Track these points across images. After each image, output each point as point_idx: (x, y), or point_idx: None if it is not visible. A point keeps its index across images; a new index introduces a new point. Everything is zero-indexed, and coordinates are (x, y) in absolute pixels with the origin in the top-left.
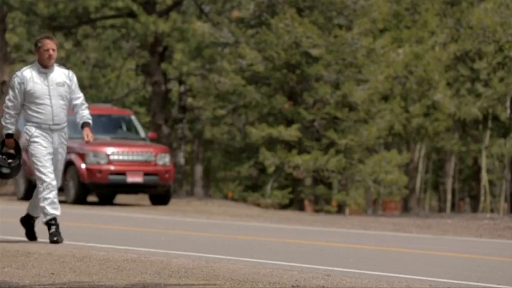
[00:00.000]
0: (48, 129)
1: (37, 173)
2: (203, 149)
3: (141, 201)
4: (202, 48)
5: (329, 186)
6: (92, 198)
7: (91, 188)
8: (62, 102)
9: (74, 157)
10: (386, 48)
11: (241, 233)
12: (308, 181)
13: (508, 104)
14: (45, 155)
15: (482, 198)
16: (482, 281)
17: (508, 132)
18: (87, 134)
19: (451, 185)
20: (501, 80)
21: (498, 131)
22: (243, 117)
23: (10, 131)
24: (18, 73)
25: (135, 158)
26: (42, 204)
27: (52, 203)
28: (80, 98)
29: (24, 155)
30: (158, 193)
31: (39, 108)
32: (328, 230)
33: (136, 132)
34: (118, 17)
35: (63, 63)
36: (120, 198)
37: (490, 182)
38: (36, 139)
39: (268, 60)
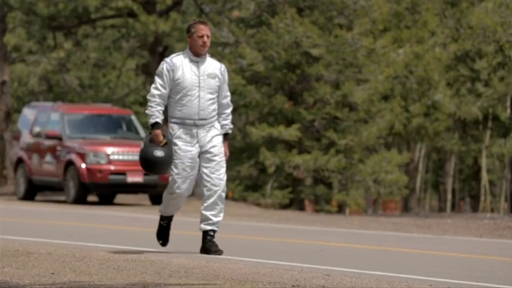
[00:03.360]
0: (192, 124)
1: (170, 178)
2: None
3: (141, 201)
4: None
5: (329, 186)
6: (92, 198)
7: (91, 188)
8: (210, 96)
9: (74, 157)
10: (387, 48)
11: (241, 233)
12: (308, 181)
13: (508, 103)
14: (184, 161)
15: (482, 198)
16: (482, 281)
17: (508, 132)
18: (225, 151)
19: (451, 185)
20: (501, 79)
21: (498, 131)
22: (243, 117)
23: (158, 119)
24: (168, 59)
25: (135, 157)
26: (165, 201)
27: (177, 208)
28: (227, 97)
29: (23, 154)
30: (158, 193)
31: (184, 101)
32: (328, 229)
33: (137, 132)
34: (118, 16)
35: (63, 63)
36: (120, 198)
37: (490, 182)
38: (177, 141)
39: (268, 60)
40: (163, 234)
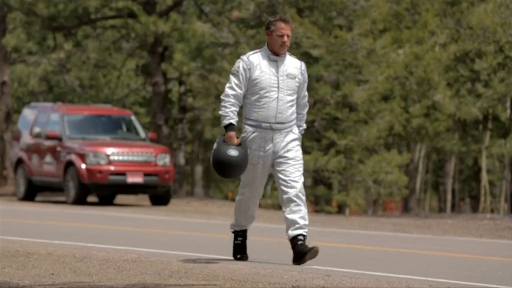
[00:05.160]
0: (269, 128)
1: (241, 182)
2: (203, 149)
3: (141, 202)
4: (203, 48)
5: (329, 186)
6: (92, 198)
7: (91, 189)
8: (290, 97)
9: (74, 157)
10: (387, 49)
11: None
12: (308, 181)
13: (508, 104)
14: (254, 164)
15: (482, 199)
16: (482, 282)
17: (508, 132)
18: None
19: (451, 186)
20: (501, 80)
21: (498, 132)
22: (243, 117)
23: (232, 121)
24: (244, 57)
25: (135, 158)
26: (235, 212)
27: (248, 217)
28: (305, 97)
29: (23, 155)
30: (158, 193)
31: (261, 102)
32: (328, 230)
33: (137, 132)
34: (118, 17)
35: (63, 63)
36: (120, 198)
37: (490, 183)
38: (250, 144)
39: None
40: (240, 250)
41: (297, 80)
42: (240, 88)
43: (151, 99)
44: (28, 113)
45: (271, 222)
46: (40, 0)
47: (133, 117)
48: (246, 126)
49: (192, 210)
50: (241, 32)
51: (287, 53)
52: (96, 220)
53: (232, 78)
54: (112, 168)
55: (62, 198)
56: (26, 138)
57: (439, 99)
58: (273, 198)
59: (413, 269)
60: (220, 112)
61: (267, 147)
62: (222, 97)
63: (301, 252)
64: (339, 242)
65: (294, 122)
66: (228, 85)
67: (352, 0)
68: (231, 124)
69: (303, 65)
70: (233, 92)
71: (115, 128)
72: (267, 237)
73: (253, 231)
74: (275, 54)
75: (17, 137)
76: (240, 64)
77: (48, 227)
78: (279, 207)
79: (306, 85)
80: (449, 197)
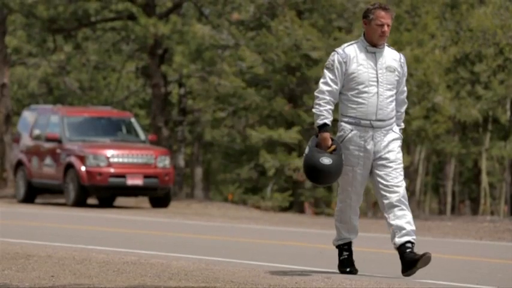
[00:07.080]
0: (369, 126)
1: (339, 189)
2: (203, 151)
3: (141, 204)
4: (202, 50)
5: (329, 188)
6: (92, 200)
7: (91, 191)
8: (390, 92)
9: (73, 159)
10: None
11: (241, 236)
12: (308, 184)
13: (508, 106)
14: (356, 169)
15: (482, 201)
16: (482, 283)
17: (508, 134)
18: None
19: (451, 188)
20: (501, 82)
21: (498, 134)
22: (243, 119)
23: (327, 120)
24: (339, 50)
25: (135, 160)
26: (336, 224)
27: (351, 227)
28: (404, 92)
29: (23, 157)
30: (158, 195)
31: (360, 98)
32: (328, 232)
33: (136, 134)
34: (118, 19)
35: (63, 66)
36: (119, 200)
37: (490, 185)
38: (349, 145)
39: (268, 63)
40: (348, 264)
41: (396, 73)
42: (336, 83)
43: (151, 101)
44: (28, 115)
45: (270, 225)
46: (40, 2)
47: (133, 119)
48: (343, 124)
49: (192, 213)
50: (241, 34)
51: (385, 44)
52: (95, 222)
53: (327, 73)
54: (112, 170)
55: (62, 200)
56: (26, 141)
57: (439, 101)
58: (273, 201)
59: None
60: (313, 110)
61: (368, 147)
62: (316, 93)
63: (411, 260)
64: None
65: (394, 119)
66: (322, 80)
67: (351, 2)
68: (325, 124)
69: (402, 57)
70: (328, 88)
71: (115, 130)
72: (267, 240)
73: (252, 233)
74: (373, 46)
75: (16, 139)
76: (334, 57)
77: (48, 229)
78: (279, 210)
79: (405, 79)
80: (449, 199)
